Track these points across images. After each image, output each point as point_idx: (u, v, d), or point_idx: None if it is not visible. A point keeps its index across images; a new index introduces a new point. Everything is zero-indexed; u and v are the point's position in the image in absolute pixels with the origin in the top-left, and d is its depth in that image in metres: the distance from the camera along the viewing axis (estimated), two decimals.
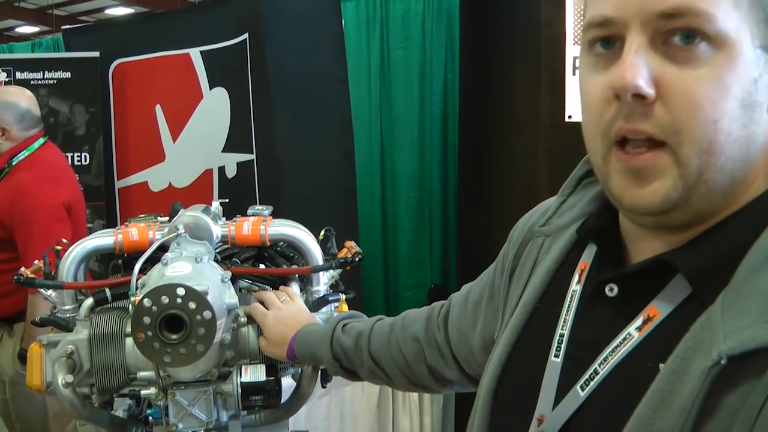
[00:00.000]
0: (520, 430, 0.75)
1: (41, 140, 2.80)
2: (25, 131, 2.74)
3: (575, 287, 0.77)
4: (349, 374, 1.29)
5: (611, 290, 0.72)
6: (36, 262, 1.52)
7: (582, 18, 2.40)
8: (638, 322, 0.68)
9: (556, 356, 0.75)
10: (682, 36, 0.62)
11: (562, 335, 0.75)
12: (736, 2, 0.62)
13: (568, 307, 0.76)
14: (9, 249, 2.60)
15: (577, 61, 2.41)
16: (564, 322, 0.76)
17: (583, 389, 0.70)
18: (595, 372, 0.69)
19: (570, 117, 2.49)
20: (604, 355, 0.69)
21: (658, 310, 0.67)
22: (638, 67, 0.63)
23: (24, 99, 2.78)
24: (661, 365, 0.63)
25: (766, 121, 0.65)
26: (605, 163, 0.69)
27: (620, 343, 0.68)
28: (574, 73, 2.47)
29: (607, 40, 0.67)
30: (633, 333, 0.68)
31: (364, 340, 1.23)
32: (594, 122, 0.69)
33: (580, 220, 0.83)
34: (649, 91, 0.63)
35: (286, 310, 1.40)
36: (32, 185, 2.64)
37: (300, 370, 1.47)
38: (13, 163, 2.70)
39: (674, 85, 0.63)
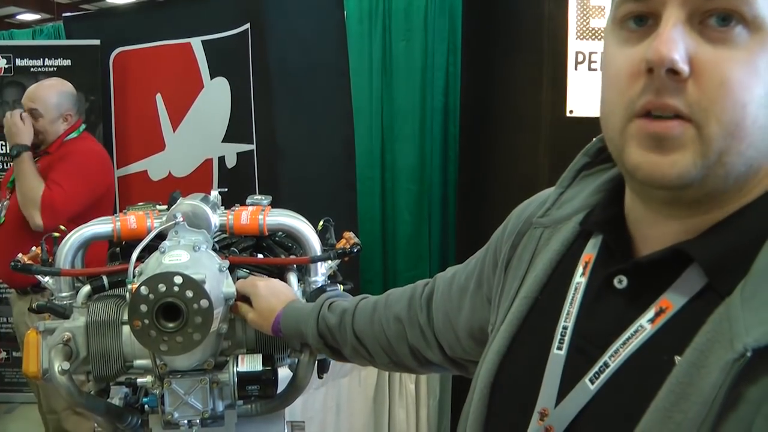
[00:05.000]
0: (519, 425, 0.74)
1: (83, 126, 3.12)
2: (77, 114, 3.08)
3: (579, 279, 0.76)
4: (333, 352, 1.30)
5: (620, 282, 0.71)
6: (33, 248, 1.52)
7: (585, 11, 2.39)
8: (650, 314, 0.67)
9: (559, 349, 0.73)
10: (719, 17, 0.62)
11: (565, 328, 0.74)
12: None
13: (572, 299, 0.75)
14: None
15: (580, 56, 2.39)
16: (567, 314, 0.75)
17: (592, 382, 0.68)
18: (605, 365, 0.68)
19: (572, 112, 2.49)
20: (614, 348, 0.68)
21: (671, 302, 0.66)
22: (675, 42, 0.62)
23: (67, 84, 3.09)
24: (677, 358, 0.63)
25: None
26: (623, 134, 0.67)
27: (632, 335, 0.67)
28: (576, 68, 2.47)
29: (640, 17, 0.66)
30: (645, 325, 0.67)
31: (348, 318, 1.24)
32: (617, 95, 0.67)
33: (581, 212, 0.82)
34: (684, 67, 0.62)
35: (277, 282, 1.42)
36: (90, 152, 3.01)
37: (297, 360, 1.47)
38: (64, 143, 2.99)
39: (708, 65, 0.62)
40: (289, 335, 1.33)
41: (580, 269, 0.77)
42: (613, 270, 0.72)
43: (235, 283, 1.37)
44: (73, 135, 3.02)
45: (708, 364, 0.60)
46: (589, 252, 0.77)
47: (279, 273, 1.55)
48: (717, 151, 0.63)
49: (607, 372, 0.68)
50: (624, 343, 0.68)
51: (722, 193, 0.66)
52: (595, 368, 0.69)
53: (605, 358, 0.68)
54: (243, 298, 1.40)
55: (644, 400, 0.63)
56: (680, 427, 0.60)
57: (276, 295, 1.38)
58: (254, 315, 1.37)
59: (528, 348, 0.79)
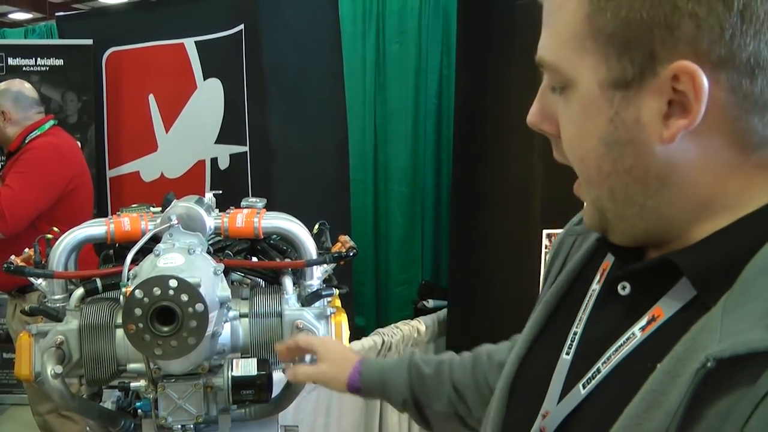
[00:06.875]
0: (527, 425, 0.77)
1: (52, 122, 3.00)
2: (25, 111, 2.93)
3: (595, 286, 0.78)
4: (418, 409, 1.19)
5: (624, 288, 0.72)
6: (26, 250, 1.51)
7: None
8: (643, 321, 0.68)
9: (567, 354, 0.75)
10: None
11: (575, 333, 0.76)
12: (579, 48, 0.63)
13: (586, 306, 0.77)
14: None
15: None
16: (579, 320, 0.77)
17: (584, 387, 0.70)
18: (598, 371, 0.69)
19: None
20: (607, 354, 0.69)
21: (663, 310, 0.67)
22: (536, 107, 0.70)
23: (15, 84, 2.99)
24: (659, 365, 0.63)
25: (668, 150, 0.62)
26: None
27: (624, 342, 0.68)
28: None
29: None
30: (636, 332, 0.68)
31: (446, 368, 1.18)
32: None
33: None
34: (547, 128, 0.70)
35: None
36: (45, 146, 2.87)
37: (291, 364, 1.46)
38: (26, 142, 2.89)
39: (560, 124, 0.69)
40: (370, 386, 1.21)
41: (597, 276, 0.79)
42: (614, 276, 0.74)
43: (229, 286, 1.37)
44: (36, 133, 2.93)
45: (682, 374, 0.60)
46: (608, 259, 0.79)
47: (274, 276, 1.54)
48: (596, 198, 0.68)
49: (598, 378, 0.69)
50: (616, 350, 0.68)
51: (662, 233, 0.68)
52: (589, 374, 0.70)
53: (599, 364, 0.70)
54: (296, 351, 1.29)
55: (623, 407, 0.63)
56: None
57: (347, 347, 1.31)
58: (326, 366, 1.23)
59: (544, 352, 0.81)
